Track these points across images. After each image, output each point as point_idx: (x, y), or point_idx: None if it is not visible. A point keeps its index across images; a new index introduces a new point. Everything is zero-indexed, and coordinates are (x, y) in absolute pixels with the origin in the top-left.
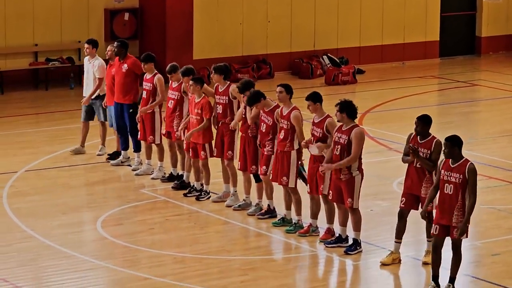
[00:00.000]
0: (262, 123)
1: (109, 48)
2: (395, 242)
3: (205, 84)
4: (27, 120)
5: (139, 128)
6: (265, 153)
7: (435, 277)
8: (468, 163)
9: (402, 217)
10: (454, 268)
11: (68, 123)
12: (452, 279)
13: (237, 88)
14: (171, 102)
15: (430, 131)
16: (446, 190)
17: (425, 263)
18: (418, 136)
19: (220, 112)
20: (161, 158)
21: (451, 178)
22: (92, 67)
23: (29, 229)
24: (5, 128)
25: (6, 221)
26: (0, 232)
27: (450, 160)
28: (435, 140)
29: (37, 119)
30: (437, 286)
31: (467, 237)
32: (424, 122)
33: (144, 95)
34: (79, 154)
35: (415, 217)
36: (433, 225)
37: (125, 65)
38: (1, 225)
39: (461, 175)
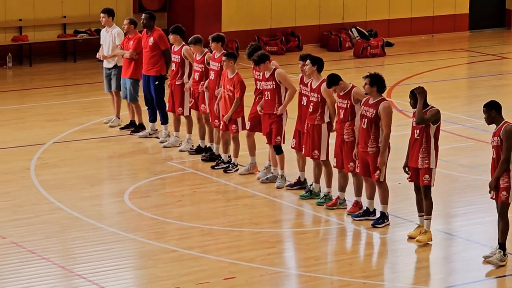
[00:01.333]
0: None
1: (125, 21)
2: (418, 216)
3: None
4: (55, 92)
5: (167, 100)
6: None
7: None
8: (505, 125)
9: (418, 190)
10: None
11: (96, 95)
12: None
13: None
14: (197, 74)
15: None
16: (493, 155)
17: (410, 237)
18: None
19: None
20: (189, 130)
21: (493, 142)
22: (111, 35)
23: (57, 201)
24: (33, 100)
25: (33, 192)
26: (28, 203)
27: (495, 126)
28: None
29: (65, 91)
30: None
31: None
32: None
33: (173, 67)
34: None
35: (443, 191)
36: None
37: (151, 38)
38: (28, 196)
39: (498, 138)
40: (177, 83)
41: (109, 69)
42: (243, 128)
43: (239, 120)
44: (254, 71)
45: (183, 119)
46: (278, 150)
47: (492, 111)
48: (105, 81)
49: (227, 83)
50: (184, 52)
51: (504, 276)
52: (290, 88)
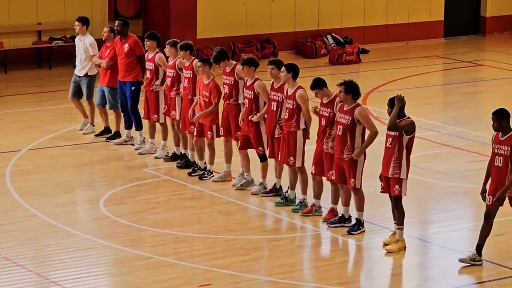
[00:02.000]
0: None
1: (105, 29)
2: (394, 223)
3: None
4: (30, 99)
5: (142, 107)
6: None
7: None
8: None
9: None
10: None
11: (71, 102)
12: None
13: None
14: (168, 80)
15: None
16: (497, 163)
17: (385, 244)
18: (500, 133)
19: (227, 92)
20: (164, 137)
21: (500, 150)
22: (83, 45)
23: (32, 208)
24: (8, 107)
25: (8, 199)
26: (3, 210)
27: (500, 133)
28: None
29: (40, 98)
30: (479, 255)
31: (502, 205)
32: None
33: (148, 74)
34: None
35: (419, 198)
36: (488, 196)
37: (126, 45)
38: (3, 203)
39: (509, 147)
40: (151, 90)
41: (79, 77)
42: (218, 135)
43: (214, 126)
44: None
45: (158, 126)
46: (262, 158)
47: (504, 120)
48: (71, 87)
49: (202, 89)
50: (157, 60)
51: (481, 282)
52: (266, 99)
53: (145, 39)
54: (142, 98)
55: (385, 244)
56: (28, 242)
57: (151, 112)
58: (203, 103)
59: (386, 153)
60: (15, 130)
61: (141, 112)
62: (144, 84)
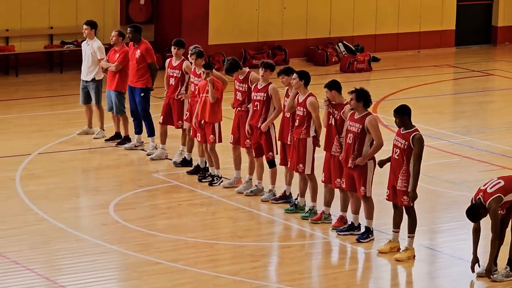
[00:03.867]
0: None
1: (113, 33)
2: (393, 231)
3: (214, 70)
4: (40, 103)
5: (161, 113)
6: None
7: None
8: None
9: (396, 207)
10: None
11: (82, 106)
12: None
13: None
14: (193, 86)
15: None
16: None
17: (380, 252)
18: (401, 128)
19: (240, 99)
20: (184, 142)
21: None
22: (90, 49)
23: (42, 212)
24: (19, 111)
25: (18, 203)
26: (13, 214)
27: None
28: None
29: (51, 102)
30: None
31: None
32: (398, 113)
33: (172, 82)
34: (86, 135)
35: (428, 206)
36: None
37: (138, 51)
38: (13, 207)
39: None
40: (178, 98)
41: (86, 81)
42: (220, 140)
43: (216, 128)
44: (238, 83)
45: (170, 132)
46: (271, 164)
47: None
48: (81, 93)
49: (203, 86)
50: (185, 67)
51: None
52: (277, 107)
53: (173, 47)
54: (161, 103)
55: (380, 252)
56: (38, 246)
57: (175, 118)
58: (207, 100)
59: (393, 163)
60: (25, 134)
61: (158, 117)
62: (166, 91)
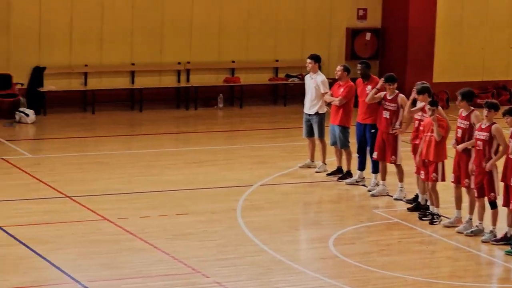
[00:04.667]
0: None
1: (338, 68)
2: None
3: (439, 107)
4: (263, 135)
5: (374, 148)
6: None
7: None
8: None
9: None
10: None
11: (305, 139)
12: None
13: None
14: (416, 122)
15: None
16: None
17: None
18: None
19: (460, 136)
20: (401, 179)
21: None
22: (314, 83)
23: (261, 243)
24: (243, 141)
25: (239, 233)
26: (233, 244)
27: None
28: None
29: (274, 134)
30: None
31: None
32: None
33: (387, 115)
34: (308, 168)
35: None
36: None
37: (369, 87)
38: (234, 237)
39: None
40: (391, 131)
41: (309, 115)
42: (443, 178)
43: (440, 168)
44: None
45: (389, 168)
46: (492, 205)
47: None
48: (304, 126)
49: (429, 125)
50: (400, 101)
51: None
52: (502, 145)
53: (388, 82)
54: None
55: None
56: (257, 277)
57: (389, 153)
58: (432, 140)
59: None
60: (248, 165)
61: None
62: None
